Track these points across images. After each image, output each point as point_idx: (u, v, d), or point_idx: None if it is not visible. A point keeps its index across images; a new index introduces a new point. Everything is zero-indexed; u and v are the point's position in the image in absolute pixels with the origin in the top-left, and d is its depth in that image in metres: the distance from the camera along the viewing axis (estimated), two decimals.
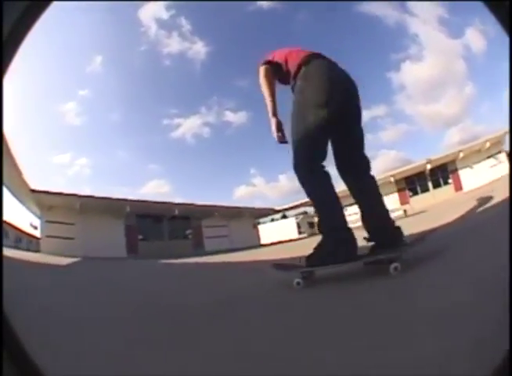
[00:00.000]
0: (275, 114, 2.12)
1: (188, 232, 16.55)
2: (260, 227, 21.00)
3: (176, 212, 14.14)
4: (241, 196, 27.61)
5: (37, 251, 11.06)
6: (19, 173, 9.82)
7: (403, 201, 17.18)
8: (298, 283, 1.79)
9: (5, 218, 11.31)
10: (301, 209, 21.62)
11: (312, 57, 2.02)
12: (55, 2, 0.73)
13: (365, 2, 21.14)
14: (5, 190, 10.10)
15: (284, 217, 24.26)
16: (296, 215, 23.76)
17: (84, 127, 21.18)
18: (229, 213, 17.25)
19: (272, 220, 23.86)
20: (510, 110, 0.76)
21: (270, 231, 21.06)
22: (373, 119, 23.47)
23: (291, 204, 20.48)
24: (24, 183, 10.33)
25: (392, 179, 17.20)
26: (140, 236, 13.78)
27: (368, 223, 2.00)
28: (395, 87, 23.84)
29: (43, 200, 11.43)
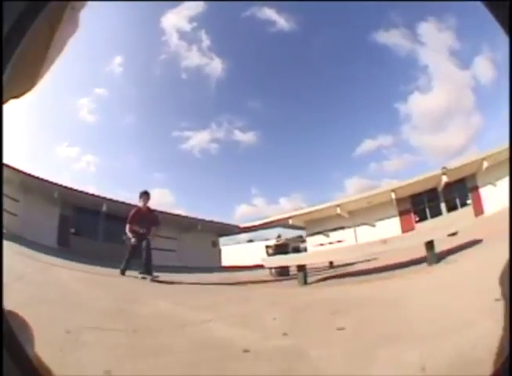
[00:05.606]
0: None
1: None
2: (224, 248, 17.98)
3: (115, 211, 11.69)
4: (242, 214, 26.67)
5: None
6: None
7: (406, 227, 13.11)
8: None
9: None
10: (274, 231, 16.32)
11: None
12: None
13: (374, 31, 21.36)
14: None
15: (250, 241, 20.42)
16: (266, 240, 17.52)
17: (95, 125, 21.34)
18: (179, 224, 14.54)
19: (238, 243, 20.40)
20: (511, 112, 0.77)
21: (234, 253, 17.64)
22: (378, 148, 23.27)
23: (261, 222, 16.00)
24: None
25: (393, 196, 13.43)
26: (72, 230, 12.25)
27: None
28: (402, 117, 23.53)
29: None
